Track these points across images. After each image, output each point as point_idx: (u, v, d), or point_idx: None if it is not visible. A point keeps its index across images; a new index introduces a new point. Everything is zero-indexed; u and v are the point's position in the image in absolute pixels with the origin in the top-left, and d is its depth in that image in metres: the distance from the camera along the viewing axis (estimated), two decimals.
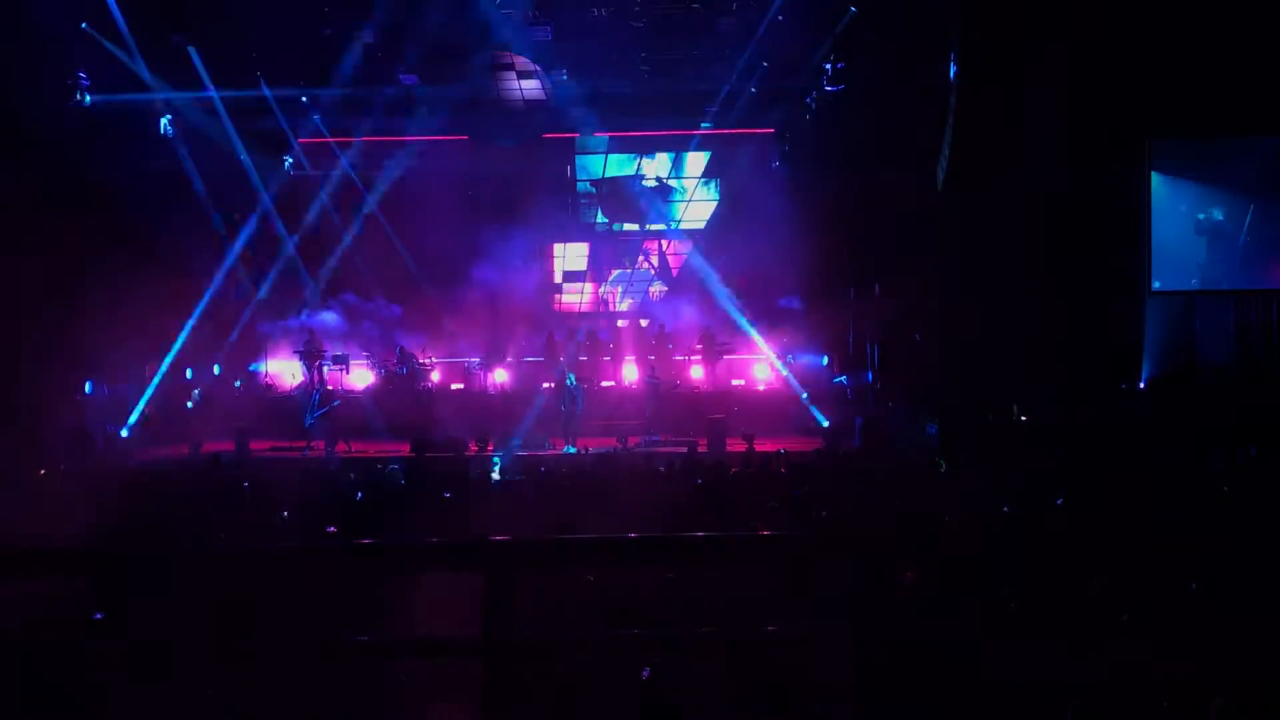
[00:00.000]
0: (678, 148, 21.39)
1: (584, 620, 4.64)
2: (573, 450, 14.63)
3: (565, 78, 18.42)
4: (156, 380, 17.03)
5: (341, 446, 14.89)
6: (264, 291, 19.28)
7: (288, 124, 19.44)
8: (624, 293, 22.32)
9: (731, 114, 19.16)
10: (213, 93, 17.64)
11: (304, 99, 19.13)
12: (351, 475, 10.66)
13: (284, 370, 19.26)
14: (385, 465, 11.57)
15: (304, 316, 19.48)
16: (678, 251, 22.19)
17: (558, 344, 19.50)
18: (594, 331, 20.25)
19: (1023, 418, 14.63)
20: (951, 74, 15.26)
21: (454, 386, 19.24)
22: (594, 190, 21.85)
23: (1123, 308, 16.34)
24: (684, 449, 13.04)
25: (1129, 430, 12.92)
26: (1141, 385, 16.33)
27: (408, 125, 19.82)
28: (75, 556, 3.08)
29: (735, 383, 19.13)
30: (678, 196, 21.79)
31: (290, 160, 20.27)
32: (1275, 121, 15.44)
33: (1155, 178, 16.47)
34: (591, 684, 3.96)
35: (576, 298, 22.48)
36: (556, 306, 22.23)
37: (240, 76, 17.89)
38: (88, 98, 16.15)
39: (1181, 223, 16.57)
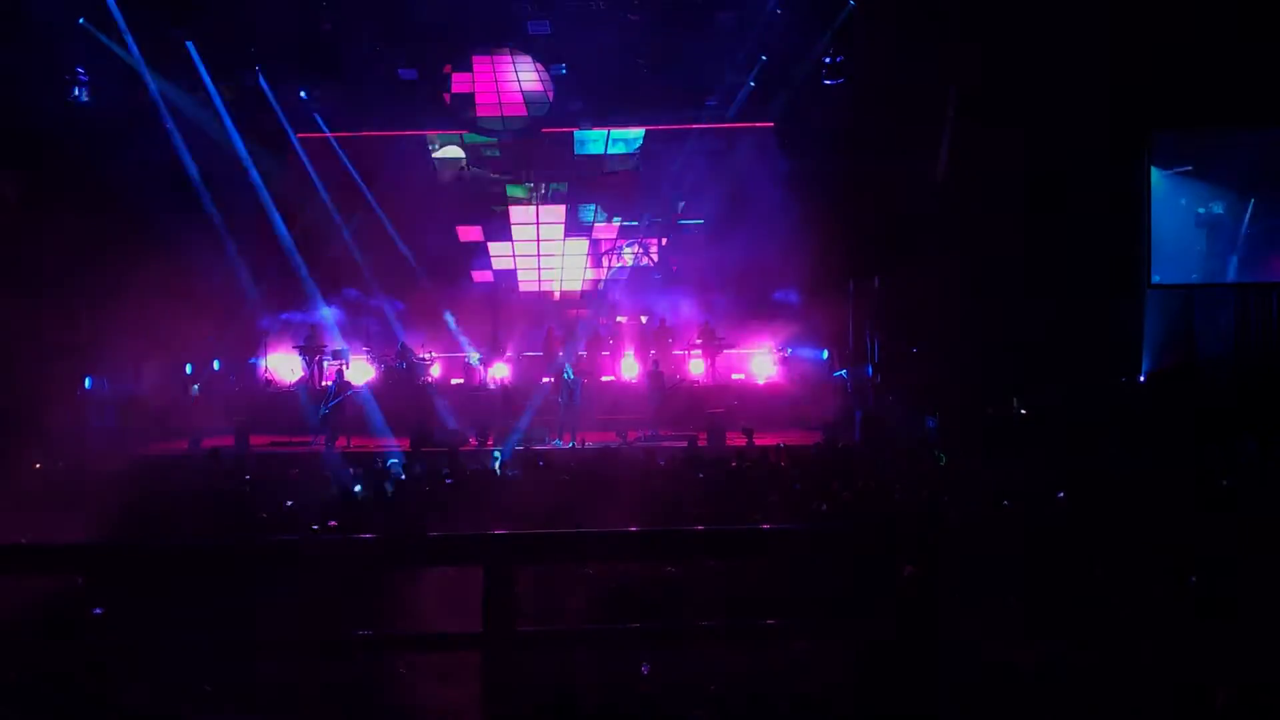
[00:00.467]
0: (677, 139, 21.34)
1: (584, 614, 4.65)
2: (573, 444, 14.62)
3: (564, 71, 18.41)
4: (156, 376, 17.04)
5: (341, 441, 14.90)
6: (263, 287, 19.27)
7: (286, 119, 19.42)
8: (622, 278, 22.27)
9: (731, 107, 19.15)
10: (211, 88, 17.61)
11: (303, 94, 19.12)
12: (351, 470, 10.67)
13: (284, 365, 19.27)
14: (385, 460, 11.59)
15: (304, 312, 19.49)
16: (676, 246, 22.18)
17: (557, 338, 19.50)
18: (593, 326, 20.25)
19: (1022, 411, 14.64)
20: (950, 67, 15.25)
21: (454, 381, 19.25)
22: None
23: (1122, 301, 16.34)
24: (684, 443, 13.04)
25: (1128, 424, 12.92)
26: (1141, 378, 16.34)
27: (406, 120, 19.82)
28: (74, 552, 3.07)
29: (735, 377, 19.13)
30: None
31: (289, 155, 20.25)
32: (1276, 113, 15.43)
33: (1155, 172, 16.45)
34: (591, 678, 3.96)
35: (576, 286, 22.46)
36: (555, 298, 22.25)
37: (239, 71, 17.87)
38: (85, 93, 16.11)
39: (1181, 216, 16.54)
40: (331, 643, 3.53)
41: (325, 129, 20.04)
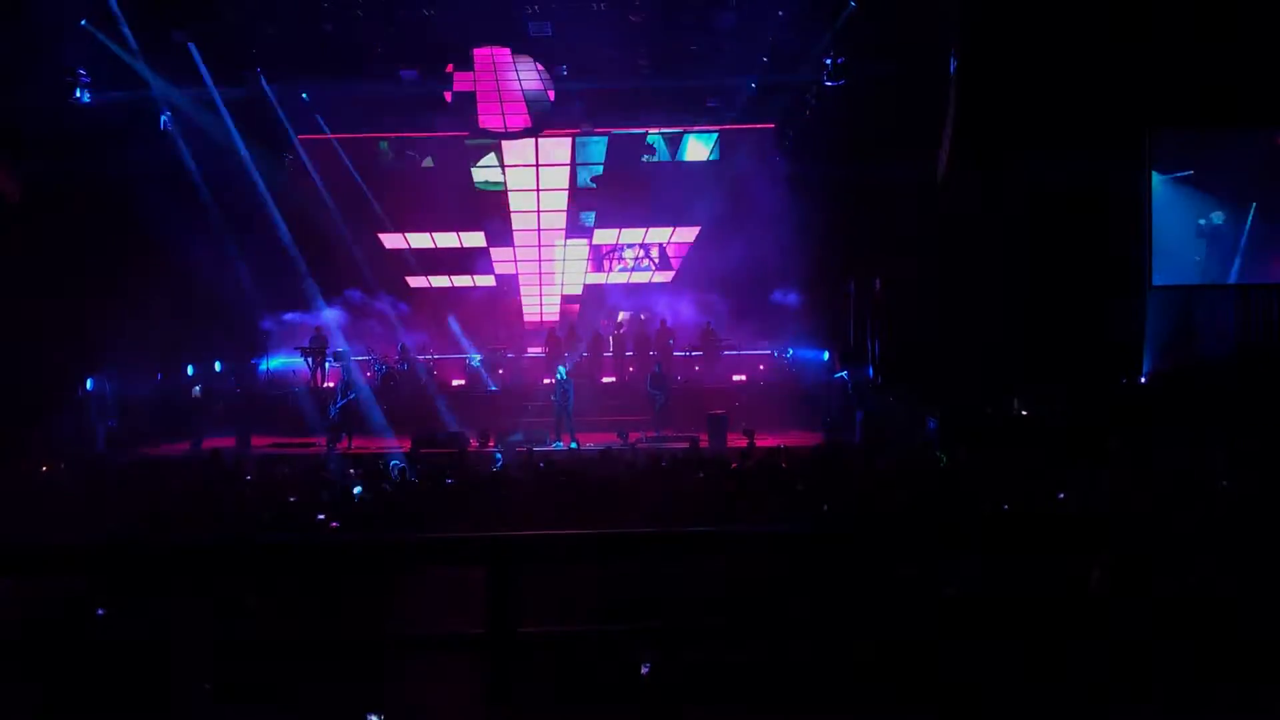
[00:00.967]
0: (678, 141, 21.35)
1: (586, 615, 4.65)
2: (574, 446, 14.63)
3: (565, 73, 18.42)
4: (158, 377, 17.06)
5: (343, 443, 14.91)
6: (265, 288, 19.30)
7: (287, 120, 19.44)
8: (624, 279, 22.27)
9: (732, 109, 19.16)
10: (212, 89, 17.64)
11: (304, 95, 19.14)
12: (352, 471, 10.67)
13: (286, 366, 19.28)
14: (386, 461, 11.59)
15: (306, 313, 19.51)
16: (678, 247, 22.19)
17: (559, 340, 19.52)
18: (595, 328, 20.27)
19: (1023, 412, 14.63)
20: (951, 68, 15.23)
21: (455, 383, 19.26)
22: (594, 186, 21.79)
23: (1123, 302, 16.32)
24: (685, 444, 13.04)
25: (1129, 425, 12.91)
26: (1142, 380, 16.32)
27: (407, 121, 19.84)
28: (76, 553, 3.08)
29: (736, 378, 19.14)
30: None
31: (290, 156, 20.27)
32: (1277, 114, 15.42)
33: (1156, 177, 16.43)
34: (593, 678, 3.97)
35: (576, 289, 22.48)
36: (559, 300, 22.29)
37: (240, 72, 17.88)
38: (87, 95, 16.13)
39: (1182, 222, 16.54)
40: (334, 644, 3.53)
41: (326, 130, 20.06)
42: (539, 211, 21.74)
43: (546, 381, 17.08)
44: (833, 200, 17.44)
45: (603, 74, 17.92)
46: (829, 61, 16.72)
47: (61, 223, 14.28)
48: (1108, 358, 15.93)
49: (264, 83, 18.38)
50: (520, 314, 22.34)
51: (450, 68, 18.66)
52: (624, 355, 19.50)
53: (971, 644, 3.84)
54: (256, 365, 19.56)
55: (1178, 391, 15.17)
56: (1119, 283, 16.25)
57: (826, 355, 18.96)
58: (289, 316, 19.50)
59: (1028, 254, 15.18)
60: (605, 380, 18.81)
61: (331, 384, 17.21)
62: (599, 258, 22.33)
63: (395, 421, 15.83)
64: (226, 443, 14.19)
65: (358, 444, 14.91)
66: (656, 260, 22.33)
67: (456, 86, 19.20)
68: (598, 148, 21.26)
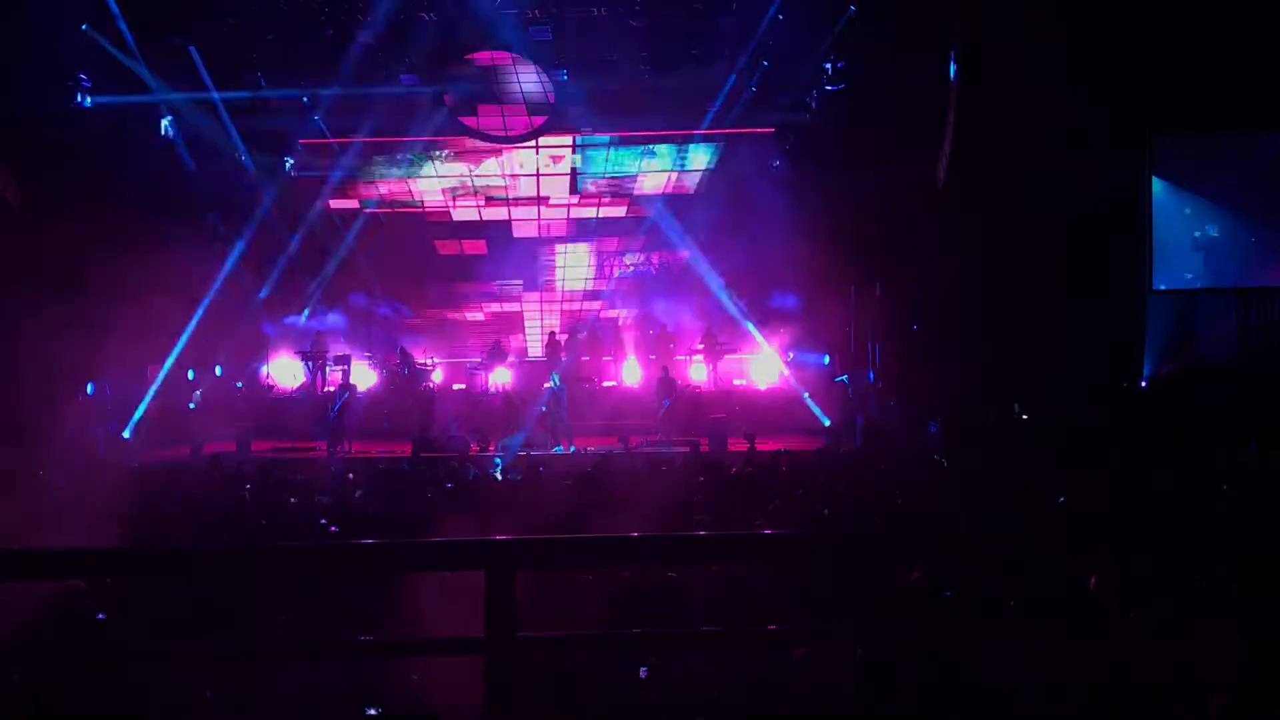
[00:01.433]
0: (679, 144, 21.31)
1: (585, 619, 4.65)
2: (573, 450, 14.60)
3: (565, 78, 18.42)
4: (158, 381, 17.04)
5: (343, 447, 14.90)
6: (265, 292, 19.29)
7: (288, 124, 19.43)
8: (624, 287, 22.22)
9: (732, 113, 19.15)
10: (213, 93, 17.64)
11: (305, 99, 19.13)
12: (351, 475, 10.67)
13: (286, 371, 19.26)
14: (386, 465, 11.59)
15: (307, 317, 19.49)
16: (678, 251, 22.17)
17: (559, 344, 19.50)
18: (595, 332, 20.24)
19: (1024, 416, 14.62)
20: (951, 72, 15.25)
21: (455, 387, 19.24)
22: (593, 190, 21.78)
23: (1123, 306, 16.33)
24: (686, 449, 13.04)
25: (1130, 429, 12.91)
26: (1143, 383, 16.31)
27: (408, 125, 19.82)
28: (77, 558, 3.07)
29: (737, 382, 19.12)
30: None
31: (291, 160, 20.26)
32: (1277, 117, 15.43)
33: (1156, 182, 16.44)
34: (593, 682, 3.96)
35: (579, 285, 22.44)
36: (559, 303, 22.25)
37: (241, 77, 17.89)
38: (88, 99, 16.14)
39: (1182, 221, 16.54)
40: (333, 648, 3.52)
41: (327, 133, 20.05)
42: (539, 220, 21.75)
43: (547, 385, 17.06)
44: (834, 204, 17.42)
45: (603, 78, 17.92)
46: (829, 66, 16.73)
47: (62, 227, 14.28)
48: (1108, 362, 15.93)
49: (264, 86, 18.36)
50: (520, 318, 22.30)
51: (450, 71, 18.65)
52: (623, 359, 19.48)
53: (971, 644, 3.83)
54: (257, 369, 19.53)
55: (1178, 395, 15.18)
56: (1119, 287, 16.25)
57: (827, 359, 18.94)
58: (289, 320, 19.47)
59: (1028, 258, 15.17)
60: (605, 384, 18.78)
61: (332, 388, 17.21)
62: (600, 262, 22.31)
63: (395, 426, 15.79)
64: (227, 447, 14.18)
65: (358, 449, 14.90)
66: (657, 265, 22.31)
67: (456, 90, 19.18)
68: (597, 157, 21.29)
